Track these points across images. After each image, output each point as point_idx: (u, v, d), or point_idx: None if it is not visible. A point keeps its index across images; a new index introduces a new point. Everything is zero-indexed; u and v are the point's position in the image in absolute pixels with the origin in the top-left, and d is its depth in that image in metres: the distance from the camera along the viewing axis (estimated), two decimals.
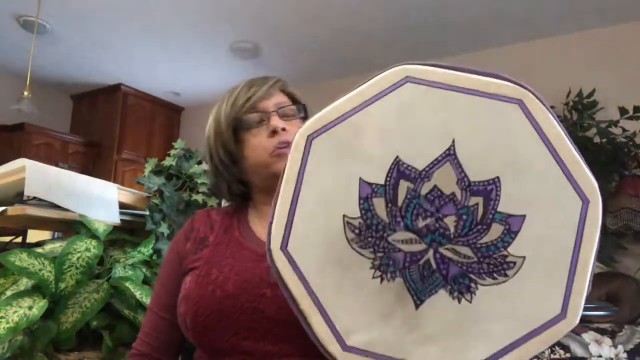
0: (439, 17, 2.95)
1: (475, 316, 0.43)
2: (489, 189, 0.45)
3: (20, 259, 1.01)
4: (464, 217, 0.45)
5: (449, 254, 0.45)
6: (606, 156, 2.62)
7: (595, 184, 0.45)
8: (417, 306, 0.44)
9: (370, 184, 0.46)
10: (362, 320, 0.44)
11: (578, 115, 2.87)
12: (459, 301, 0.44)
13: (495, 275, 0.44)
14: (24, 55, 3.50)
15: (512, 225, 0.44)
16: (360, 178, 0.46)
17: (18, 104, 3.08)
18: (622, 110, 2.71)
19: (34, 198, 1.14)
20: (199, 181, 1.40)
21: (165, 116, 4.86)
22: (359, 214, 0.45)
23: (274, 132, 0.73)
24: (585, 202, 0.44)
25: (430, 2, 2.84)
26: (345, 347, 0.44)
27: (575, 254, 0.43)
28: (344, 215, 0.46)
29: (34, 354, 0.98)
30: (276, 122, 0.73)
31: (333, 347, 0.44)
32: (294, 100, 0.81)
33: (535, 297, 0.43)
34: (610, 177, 2.66)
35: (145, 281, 1.19)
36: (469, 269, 0.44)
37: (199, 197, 1.38)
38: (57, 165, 3.07)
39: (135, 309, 1.09)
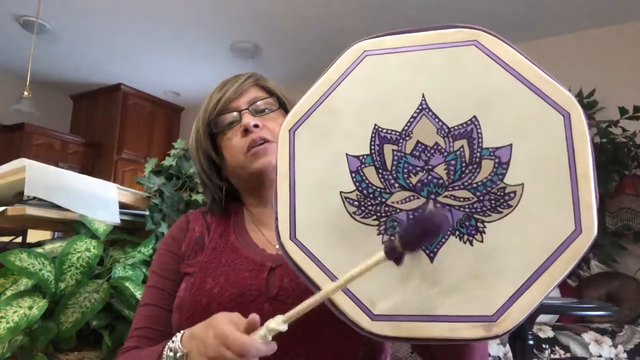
0: (437, 19, 2.95)
1: (491, 255, 0.43)
2: (470, 129, 0.46)
3: (20, 259, 1.01)
4: (453, 162, 0.45)
5: (448, 201, 0.45)
6: (606, 156, 2.62)
7: (571, 96, 0.45)
8: (431, 259, 0.44)
9: (357, 157, 0.48)
10: (383, 287, 0.44)
11: None
12: (471, 244, 0.43)
13: (499, 209, 0.44)
14: (24, 55, 3.50)
15: (501, 157, 0.44)
16: (346, 154, 0.48)
17: (18, 104, 3.08)
18: (622, 110, 2.71)
19: (34, 198, 1.14)
20: (199, 181, 1.40)
21: (165, 116, 4.86)
22: (354, 187, 0.47)
23: (246, 131, 0.69)
24: (565, 115, 0.44)
25: (429, 4, 2.84)
26: (374, 317, 0.44)
27: (573, 168, 0.43)
28: (340, 192, 0.47)
29: (34, 354, 0.98)
30: (248, 119, 0.70)
31: (362, 320, 0.44)
32: (271, 93, 0.76)
33: (545, 220, 0.42)
34: (610, 177, 2.66)
35: (145, 281, 1.18)
36: (472, 209, 0.44)
37: (199, 197, 1.38)
38: (57, 165, 3.07)
39: (135, 309, 1.09)
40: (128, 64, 3.92)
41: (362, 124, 0.48)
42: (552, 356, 1.83)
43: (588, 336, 1.88)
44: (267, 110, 0.73)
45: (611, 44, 3.03)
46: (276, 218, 0.48)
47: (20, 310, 0.95)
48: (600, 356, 1.83)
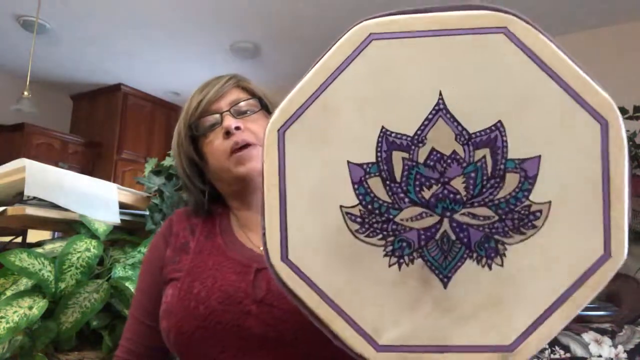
0: None
1: (511, 280, 0.38)
2: (493, 137, 0.39)
3: (20, 259, 1.01)
4: (473, 174, 0.39)
5: (466, 220, 0.39)
6: None
7: (611, 100, 0.39)
8: (445, 285, 0.39)
9: (360, 165, 0.40)
10: (389, 315, 0.39)
11: None
12: (490, 268, 0.39)
13: (522, 229, 0.39)
14: (24, 55, 3.50)
15: (528, 171, 0.39)
16: (347, 161, 0.40)
17: (18, 104, 3.08)
18: (622, 110, 2.72)
19: (34, 198, 1.14)
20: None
21: (165, 116, 4.86)
22: (356, 201, 0.40)
23: (227, 133, 0.68)
24: (603, 123, 0.38)
25: (429, 4, 2.84)
26: (379, 348, 0.39)
27: (606, 185, 0.37)
28: (340, 207, 0.40)
29: (34, 354, 0.98)
30: (229, 122, 0.69)
31: (365, 350, 0.39)
32: (252, 94, 0.74)
33: (572, 243, 0.38)
34: None
35: None
36: (492, 230, 0.39)
37: None
38: (57, 165, 3.07)
39: None
40: (128, 64, 3.92)
41: (366, 124, 0.40)
42: (552, 356, 1.83)
43: (588, 336, 1.88)
44: (249, 112, 0.72)
45: (611, 44, 3.04)
46: (263, 234, 0.41)
47: (20, 310, 0.95)
48: (600, 356, 1.83)
